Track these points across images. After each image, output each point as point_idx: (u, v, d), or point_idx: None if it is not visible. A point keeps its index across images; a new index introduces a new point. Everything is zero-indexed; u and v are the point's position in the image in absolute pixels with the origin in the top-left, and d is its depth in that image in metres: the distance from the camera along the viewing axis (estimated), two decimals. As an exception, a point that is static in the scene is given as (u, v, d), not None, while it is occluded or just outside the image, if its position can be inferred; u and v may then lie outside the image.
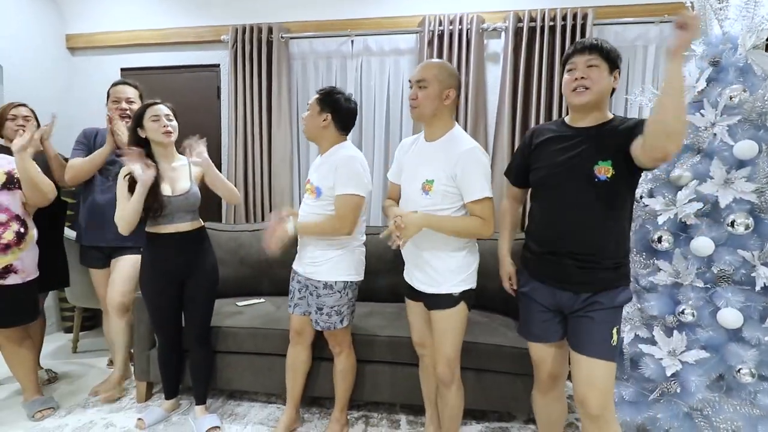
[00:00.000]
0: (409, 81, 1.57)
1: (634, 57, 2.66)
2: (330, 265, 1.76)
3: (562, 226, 1.42)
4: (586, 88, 1.35)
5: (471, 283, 1.59)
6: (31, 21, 2.94)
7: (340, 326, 1.81)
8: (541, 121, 2.64)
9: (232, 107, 2.95)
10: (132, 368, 2.35)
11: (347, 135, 1.83)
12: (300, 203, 1.88)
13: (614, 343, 1.36)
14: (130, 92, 2.24)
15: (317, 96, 1.77)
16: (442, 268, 1.56)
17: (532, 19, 2.62)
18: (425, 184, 1.53)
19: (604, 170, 1.34)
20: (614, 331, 1.37)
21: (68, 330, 3.12)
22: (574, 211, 1.39)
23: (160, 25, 3.06)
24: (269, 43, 2.86)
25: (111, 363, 2.59)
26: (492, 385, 2.00)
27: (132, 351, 2.30)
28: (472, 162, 1.48)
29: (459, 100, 1.62)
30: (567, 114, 1.50)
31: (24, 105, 2.29)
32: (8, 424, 2.03)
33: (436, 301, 1.57)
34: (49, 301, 3.06)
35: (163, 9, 3.05)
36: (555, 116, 2.63)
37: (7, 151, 2.15)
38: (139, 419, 2.03)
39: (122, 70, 3.15)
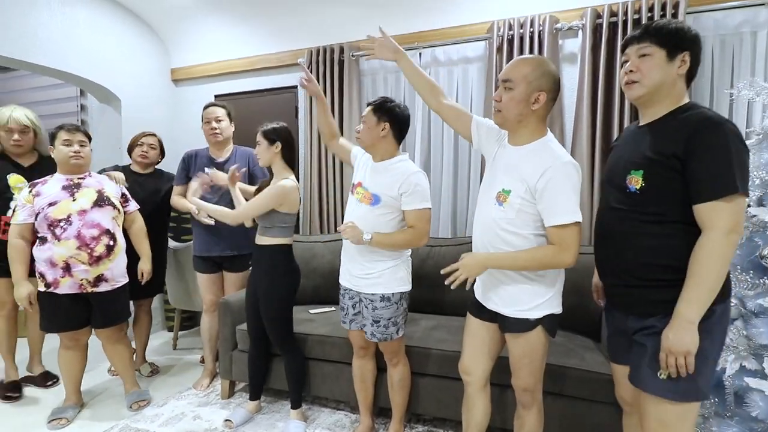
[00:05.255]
0: (497, 81, 1.50)
1: (740, 45, 2.31)
2: (386, 277, 1.77)
3: (600, 237, 1.36)
4: (635, 82, 1.22)
5: (552, 308, 1.42)
6: (143, 59, 3.41)
7: (396, 336, 1.82)
8: (626, 124, 2.41)
9: (308, 125, 3.13)
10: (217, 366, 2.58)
11: (401, 143, 1.84)
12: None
13: (662, 377, 1.16)
14: (219, 112, 2.49)
15: (371, 107, 1.77)
16: (519, 287, 1.41)
17: (613, 14, 2.42)
18: (500, 194, 1.39)
19: (634, 180, 1.21)
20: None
21: (171, 329, 3.52)
22: (608, 222, 1.31)
23: (247, 53, 3.36)
24: (341, 62, 2.99)
25: (203, 360, 2.87)
26: (565, 411, 1.85)
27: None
28: (562, 177, 1.29)
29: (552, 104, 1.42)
30: None
31: (153, 135, 2.69)
32: (114, 412, 2.32)
33: (509, 324, 1.44)
34: (156, 303, 3.47)
35: (250, 38, 3.34)
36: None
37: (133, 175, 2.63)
38: (227, 420, 2.15)
39: (216, 96, 3.51)
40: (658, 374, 1.16)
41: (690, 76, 1.22)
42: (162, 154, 2.74)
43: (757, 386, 1.47)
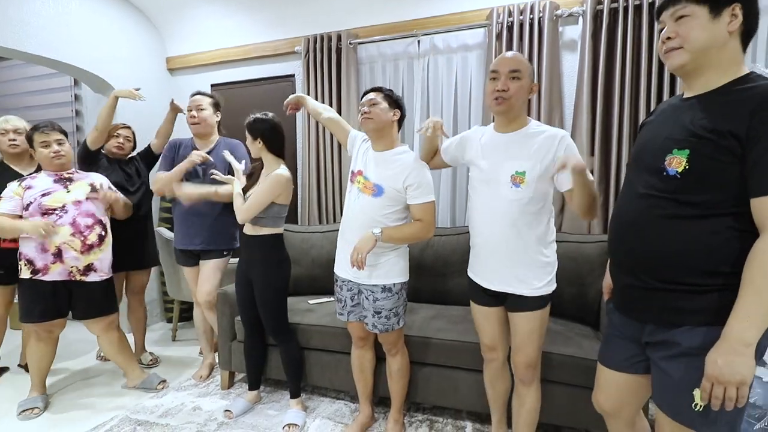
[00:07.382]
0: (494, 71, 1.46)
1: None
2: (387, 268, 1.76)
3: (619, 229, 1.17)
4: (675, 48, 1.02)
5: (554, 283, 1.55)
6: (138, 48, 3.36)
7: (397, 327, 1.82)
8: (626, 112, 2.39)
9: (306, 114, 3.09)
10: (217, 357, 2.57)
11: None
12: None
13: (698, 409, 0.97)
14: (201, 101, 2.44)
15: (382, 93, 1.76)
16: (536, 267, 1.49)
17: (614, 0, 2.38)
18: (515, 176, 1.47)
19: (676, 162, 1.00)
20: (697, 391, 0.98)
21: (170, 320, 3.52)
22: (633, 211, 1.11)
23: (243, 42, 3.31)
24: (338, 50, 2.95)
25: (202, 352, 2.87)
26: (566, 400, 1.86)
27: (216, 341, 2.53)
28: (573, 144, 1.46)
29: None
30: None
31: (128, 127, 2.71)
32: (111, 403, 2.33)
33: (524, 303, 1.51)
34: (155, 295, 3.47)
35: (246, 27, 3.29)
36: (643, 108, 2.35)
37: (113, 161, 2.62)
38: (227, 410, 2.15)
39: (212, 86, 3.47)
40: (693, 406, 0.98)
41: (746, 33, 1.00)
42: (134, 147, 2.73)
43: (756, 373, 1.47)
